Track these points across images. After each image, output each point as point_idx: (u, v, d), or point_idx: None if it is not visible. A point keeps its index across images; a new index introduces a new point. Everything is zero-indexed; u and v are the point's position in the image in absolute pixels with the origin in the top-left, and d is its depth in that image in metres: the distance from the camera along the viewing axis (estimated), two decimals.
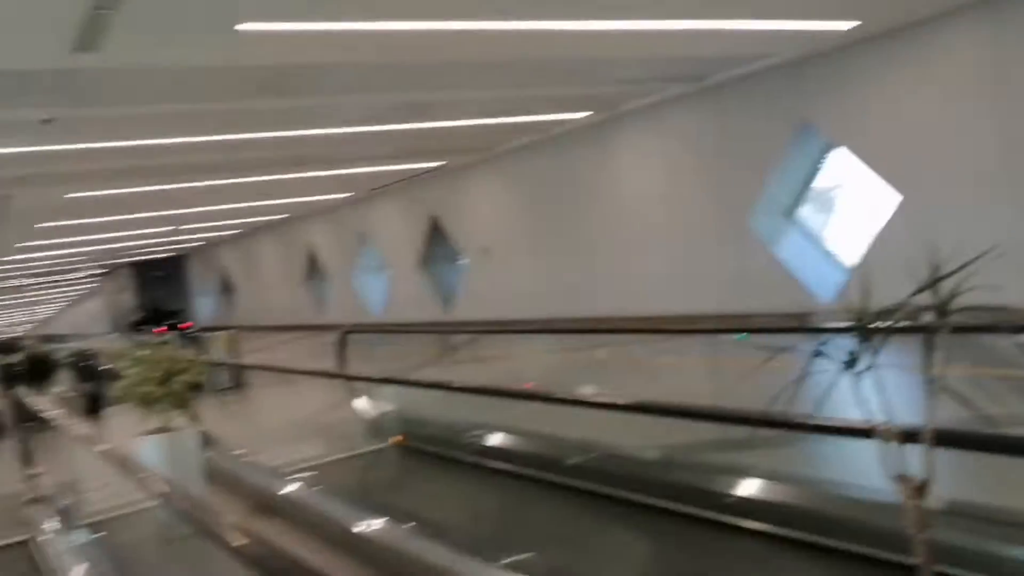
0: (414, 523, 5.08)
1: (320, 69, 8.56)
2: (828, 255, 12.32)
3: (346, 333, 9.20)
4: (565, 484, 5.71)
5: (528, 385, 7.96)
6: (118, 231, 22.43)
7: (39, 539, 6.04)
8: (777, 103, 11.83)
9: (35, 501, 6.83)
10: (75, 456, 6.21)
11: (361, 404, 8.52)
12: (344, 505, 5.92)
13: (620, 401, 4.23)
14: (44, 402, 8.16)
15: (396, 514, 5.41)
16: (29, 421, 8.46)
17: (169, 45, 6.84)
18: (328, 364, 9.23)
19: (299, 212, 24.93)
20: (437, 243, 20.44)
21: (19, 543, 6.25)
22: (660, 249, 13.96)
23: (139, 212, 19.20)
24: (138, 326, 33.44)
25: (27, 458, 7.70)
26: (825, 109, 11.33)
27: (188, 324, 29.17)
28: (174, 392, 5.84)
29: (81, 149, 10.77)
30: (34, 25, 6.08)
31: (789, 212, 12.54)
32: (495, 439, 6.91)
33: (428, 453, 7.46)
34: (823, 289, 11.61)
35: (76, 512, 6.02)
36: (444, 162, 17.99)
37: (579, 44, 9.05)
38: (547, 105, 13.19)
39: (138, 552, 4.89)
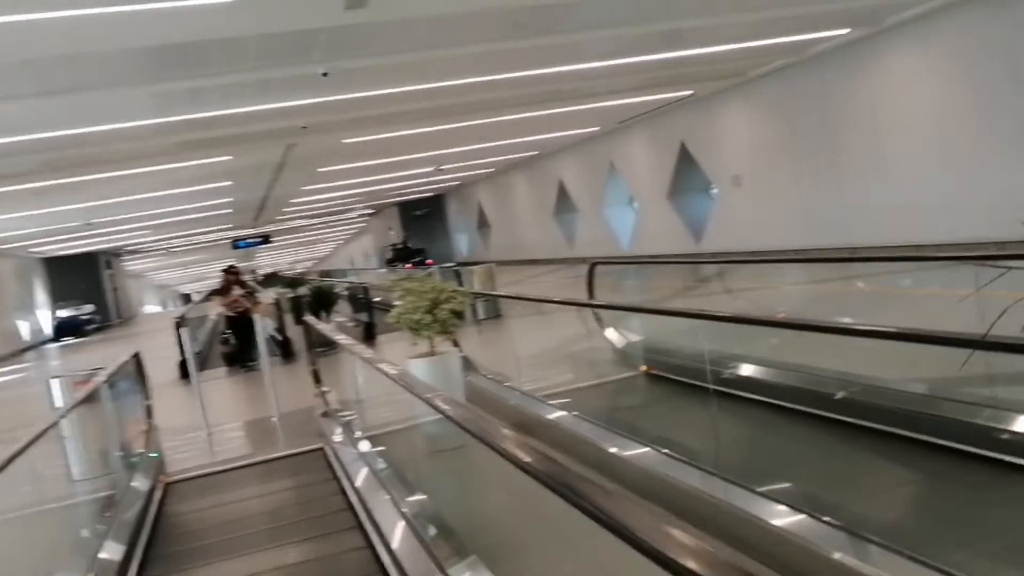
0: (666, 448, 5.29)
1: (572, 5, 8.71)
2: None
3: (594, 266, 9.51)
4: (815, 414, 5.67)
5: (779, 316, 7.81)
6: (386, 173, 24.16)
7: (331, 447, 6.91)
8: None
9: (325, 415, 7.79)
10: (357, 376, 6.94)
11: (610, 334, 8.80)
12: (596, 427, 6.26)
13: (875, 328, 4.09)
14: (328, 329, 9.18)
15: (646, 438, 5.65)
16: (318, 347, 9.58)
17: None
18: (578, 295, 9.60)
19: (549, 148, 25.51)
20: (686, 173, 20.17)
21: (317, 449, 7.19)
22: (929, 176, 12.95)
23: (404, 155, 20.56)
24: (391, 263, 36.09)
25: (317, 377, 8.75)
26: None
27: (430, 262, 31.14)
28: (440, 319, 6.38)
29: (354, 98, 11.73)
30: None
31: None
32: (744, 370, 6.92)
33: (675, 382, 7.61)
34: None
35: (358, 425, 6.80)
36: (692, 91, 17.67)
37: None
38: (805, 24, 12.55)
39: (412, 461, 5.46)
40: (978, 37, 11.91)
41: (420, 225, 39.98)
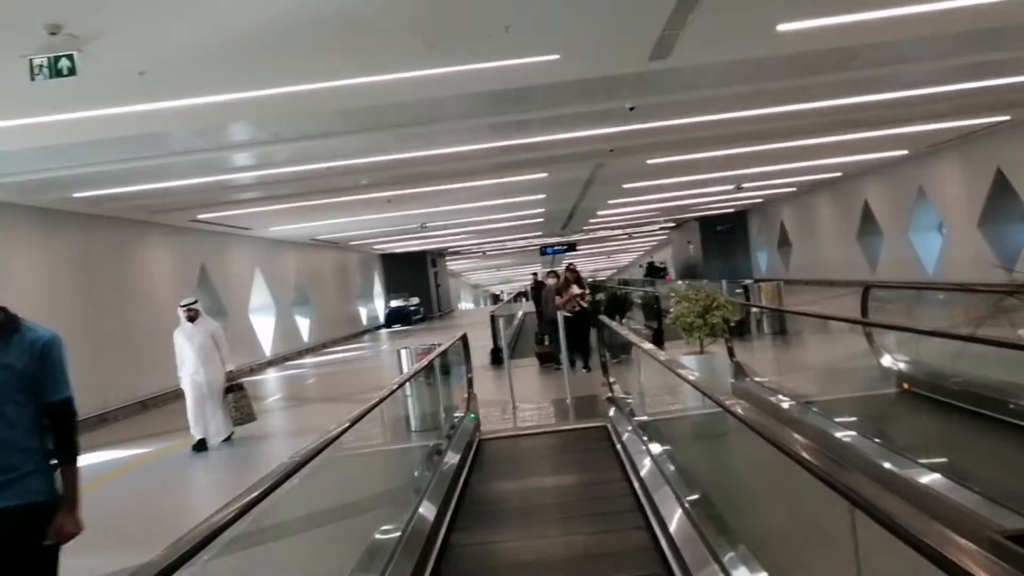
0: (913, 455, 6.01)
1: (852, 50, 9.43)
2: None
3: (867, 288, 10.10)
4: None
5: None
6: (687, 190, 25.30)
7: (612, 424, 8.31)
8: None
9: (610, 400, 9.20)
10: (642, 372, 8.27)
11: (878, 353, 9.36)
12: (843, 430, 7.09)
13: None
14: (620, 329, 10.61)
15: (893, 444, 6.39)
16: (609, 345, 11.05)
17: (719, 47, 8.47)
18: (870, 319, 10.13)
19: (853, 170, 25.22)
20: (1001, 201, 19.28)
21: (601, 426, 8.64)
22: None
23: (705, 173, 21.58)
24: (646, 277, 38.44)
25: (606, 369, 10.21)
26: None
27: (668, 277, 32.08)
28: (709, 323, 7.54)
29: (655, 127, 13.10)
30: (626, 44, 8.18)
31: None
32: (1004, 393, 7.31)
33: (924, 397, 8.12)
34: None
35: (637, 408, 8.13)
36: (1009, 117, 17.02)
37: None
38: None
39: (680, 441, 6.67)
40: None
41: (720, 240, 40.47)
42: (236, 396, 10.55)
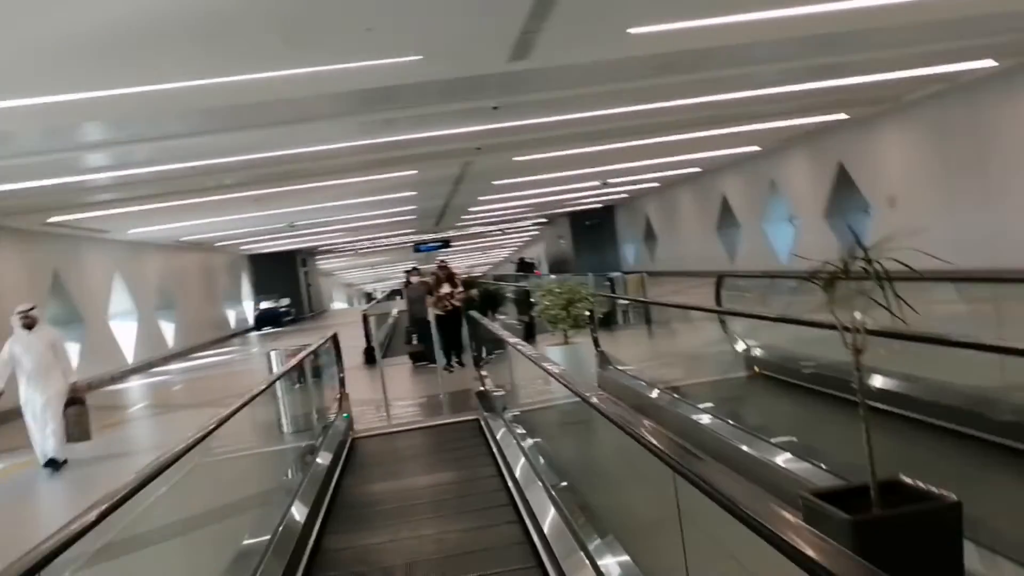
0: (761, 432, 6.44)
1: (705, 51, 9.95)
2: None
3: (720, 278, 10.68)
4: (909, 417, 6.49)
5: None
6: (556, 186, 25.84)
7: (484, 417, 8.50)
8: None
9: (482, 395, 9.40)
10: (514, 366, 8.49)
11: (731, 340, 9.92)
12: (697, 411, 7.51)
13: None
14: (491, 325, 10.83)
15: (745, 423, 6.82)
16: (486, 341, 11.24)
17: (576, 49, 8.78)
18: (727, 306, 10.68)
19: (711, 166, 26.37)
20: (844, 193, 20.61)
21: (473, 420, 8.82)
22: None
23: (572, 170, 22.12)
24: (518, 271, 39.20)
25: (478, 365, 10.41)
26: None
27: (537, 272, 33.48)
28: (573, 316, 7.85)
29: (521, 125, 13.39)
30: (485, 45, 8.38)
31: None
32: (837, 372, 7.92)
33: (773, 379, 8.70)
34: None
35: (508, 401, 8.36)
36: (848, 115, 18.21)
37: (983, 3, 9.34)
38: (952, 56, 13.08)
39: (549, 432, 6.93)
40: None
41: (590, 235, 41.48)
42: (76, 411, 9.58)
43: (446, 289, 13.32)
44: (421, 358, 14.36)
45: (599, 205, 39.37)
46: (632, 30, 8.30)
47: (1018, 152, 14.40)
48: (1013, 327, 6.53)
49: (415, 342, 14.78)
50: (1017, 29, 11.44)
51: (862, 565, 1.51)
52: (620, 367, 9.86)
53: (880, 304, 2.97)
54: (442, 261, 14.57)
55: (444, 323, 12.79)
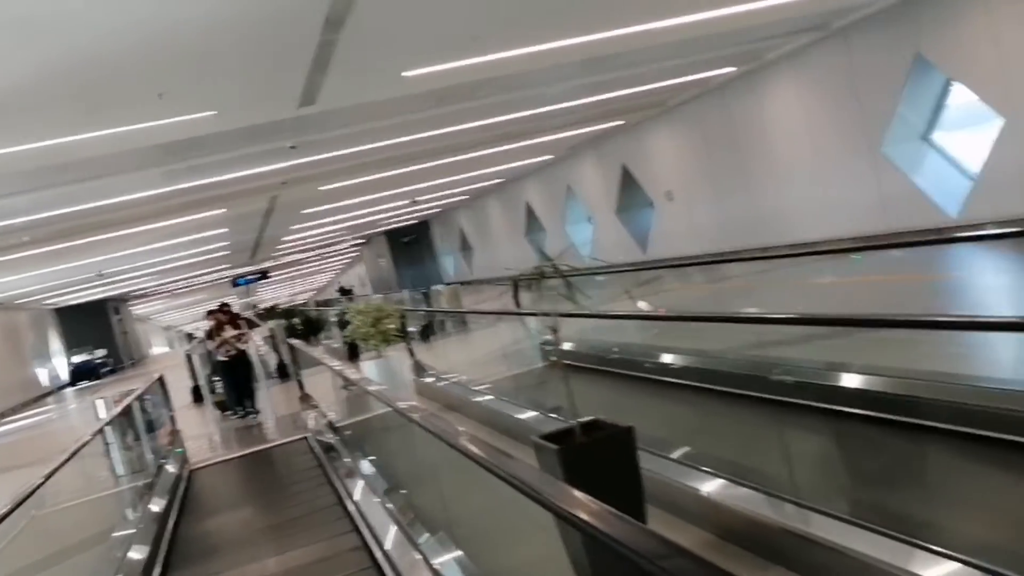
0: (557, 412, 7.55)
1: (484, 81, 11.12)
2: (953, 172, 13.28)
3: (516, 281, 11.87)
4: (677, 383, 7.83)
5: (661, 311, 10.16)
6: (366, 208, 26.56)
7: (311, 435, 9.27)
8: (895, 39, 12.91)
9: (306, 413, 10.15)
10: (331, 385, 9.26)
11: (536, 336, 11.09)
12: (502, 402, 8.60)
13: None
14: (311, 350, 11.56)
15: (544, 407, 7.91)
16: (305, 366, 11.94)
17: (358, 93, 9.73)
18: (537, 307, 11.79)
19: (514, 175, 27.93)
20: (630, 191, 22.59)
21: (301, 439, 9.55)
22: (805, 181, 15.45)
23: (380, 192, 22.94)
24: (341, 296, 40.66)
25: (301, 386, 11.12)
26: (938, 42, 12.33)
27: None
28: (382, 331, 8.76)
29: (319, 159, 14.17)
30: (274, 97, 9.17)
31: (919, 136, 13.59)
32: (625, 353, 9.25)
33: (581, 368, 9.94)
34: (950, 204, 12.74)
35: (334, 418, 9.16)
36: (624, 121, 20.09)
37: (723, 22, 10.96)
38: (700, 66, 14.98)
39: (367, 437, 7.77)
40: (831, 68, 14.36)
41: (408, 251, 42.32)
42: None
43: (230, 332, 12.53)
44: (226, 407, 13.06)
45: (415, 221, 40.30)
46: (407, 73, 9.32)
47: (761, 141, 16.60)
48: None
49: (215, 390, 13.78)
50: (743, 43, 13.41)
51: (542, 474, 2.49)
52: (435, 373, 10.85)
53: (564, 297, 4.07)
54: (224, 304, 13.45)
55: (231, 368, 12.39)
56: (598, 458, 3.64)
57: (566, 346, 10.42)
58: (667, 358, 8.52)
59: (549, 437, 3.87)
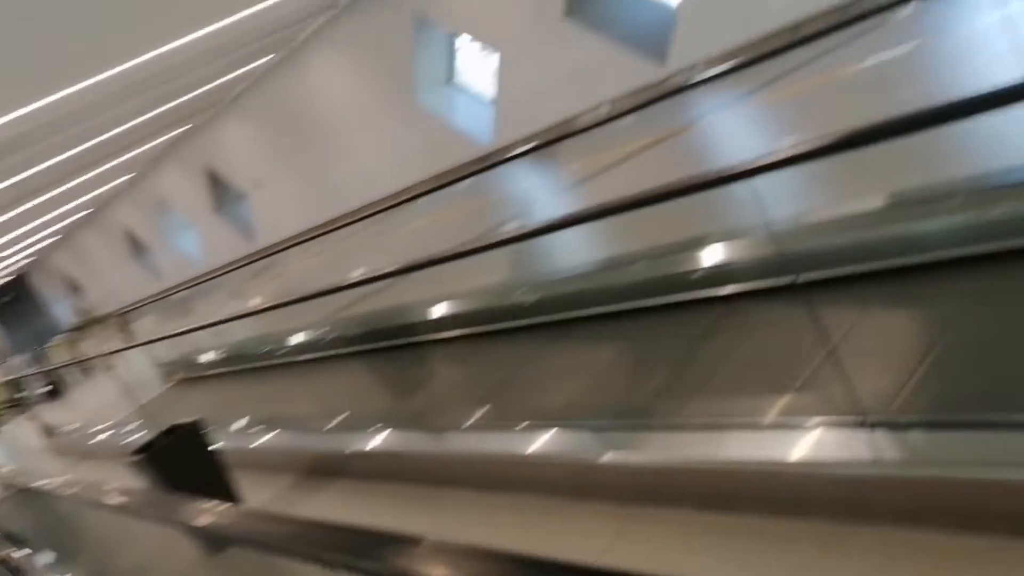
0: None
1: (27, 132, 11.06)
2: (479, 106, 15.59)
3: (123, 314, 12.22)
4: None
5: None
6: None
7: None
8: (394, 6, 14.68)
9: None
10: None
11: (153, 364, 11.51)
12: (132, 429, 9.15)
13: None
14: None
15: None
16: None
17: None
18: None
19: (103, 202, 26.70)
20: (221, 188, 22.95)
21: None
22: (362, 146, 17.08)
23: None
24: None
25: None
26: (430, 3, 14.28)
27: None
28: None
29: None
30: None
31: (443, 83, 15.69)
32: (218, 354, 10.14)
33: (197, 378, 10.71)
34: (484, 134, 14.98)
35: None
36: (193, 124, 20.28)
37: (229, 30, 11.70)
38: (242, 60, 15.69)
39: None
40: (352, 39, 15.93)
41: (12, 311, 38.66)
42: None
43: None
44: None
45: (9, 278, 36.85)
46: None
47: (316, 118, 17.92)
48: None
49: None
50: (264, 36, 14.35)
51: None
52: (67, 428, 11.01)
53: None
54: None
55: None
56: (177, 455, 4.62)
57: (199, 359, 11.10)
58: (294, 339, 9.40)
59: (138, 451, 4.79)
